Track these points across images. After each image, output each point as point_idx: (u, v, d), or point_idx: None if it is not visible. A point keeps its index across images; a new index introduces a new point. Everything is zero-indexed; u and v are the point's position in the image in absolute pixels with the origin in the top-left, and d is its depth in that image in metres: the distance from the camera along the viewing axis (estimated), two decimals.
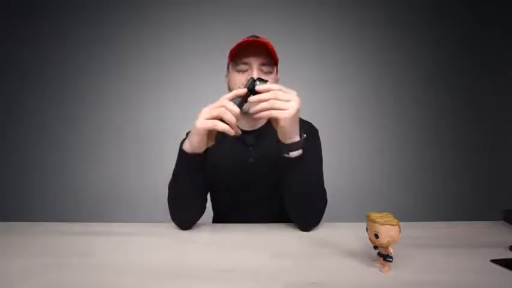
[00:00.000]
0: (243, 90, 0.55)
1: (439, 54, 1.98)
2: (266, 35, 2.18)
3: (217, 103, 0.54)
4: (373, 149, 1.99)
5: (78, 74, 1.98)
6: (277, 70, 0.77)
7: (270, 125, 0.77)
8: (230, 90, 0.74)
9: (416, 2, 1.96)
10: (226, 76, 0.80)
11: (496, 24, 1.94)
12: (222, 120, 0.54)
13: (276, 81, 0.76)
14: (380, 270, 0.43)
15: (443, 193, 1.98)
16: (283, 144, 0.59)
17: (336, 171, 1.90)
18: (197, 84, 1.94)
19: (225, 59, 0.78)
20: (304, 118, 0.87)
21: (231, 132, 0.54)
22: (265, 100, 0.53)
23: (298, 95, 0.55)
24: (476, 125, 1.99)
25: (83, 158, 1.98)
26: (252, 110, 0.55)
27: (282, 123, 0.54)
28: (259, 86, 0.55)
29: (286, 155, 0.59)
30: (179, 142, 0.84)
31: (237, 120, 0.54)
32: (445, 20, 1.96)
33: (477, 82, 1.98)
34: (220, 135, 0.75)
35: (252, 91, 0.55)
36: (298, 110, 0.54)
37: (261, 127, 0.79)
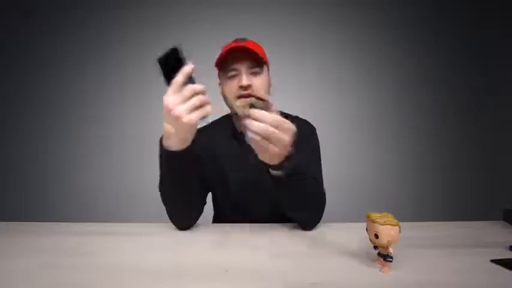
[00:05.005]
0: (190, 67, 0.50)
1: (439, 54, 1.98)
2: (266, 35, 2.20)
3: (184, 93, 0.50)
4: (373, 149, 1.99)
5: (78, 74, 1.98)
6: (268, 69, 0.76)
7: None
8: (225, 98, 0.73)
9: (416, 2, 1.96)
10: (219, 84, 0.78)
11: (496, 24, 1.94)
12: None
13: (268, 81, 0.74)
14: (380, 270, 0.43)
15: (443, 193, 1.98)
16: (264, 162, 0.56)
17: (336, 171, 1.90)
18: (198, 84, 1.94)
19: None
20: (303, 118, 0.87)
21: (219, 110, 0.53)
22: (257, 133, 0.49)
23: (293, 131, 0.51)
24: (476, 125, 1.99)
25: (83, 158, 1.98)
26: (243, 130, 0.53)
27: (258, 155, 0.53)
28: (255, 114, 0.50)
29: (269, 171, 0.57)
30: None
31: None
32: (445, 20, 1.96)
33: (477, 82, 1.98)
34: (219, 138, 0.75)
35: (165, 76, 0.51)
36: (284, 151, 0.51)
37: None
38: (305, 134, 0.77)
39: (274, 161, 0.54)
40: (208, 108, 0.52)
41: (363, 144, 1.98)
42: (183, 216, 0.67)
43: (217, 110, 0.53)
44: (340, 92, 1.99)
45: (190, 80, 0.51)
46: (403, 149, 1.99)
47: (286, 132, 0.50)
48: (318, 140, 0.81)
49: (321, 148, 0.80)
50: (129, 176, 1.96)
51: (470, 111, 1.99)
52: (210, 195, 0.87)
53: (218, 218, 0.90)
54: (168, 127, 0.53)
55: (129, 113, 1.97)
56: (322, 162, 0.79)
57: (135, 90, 1.97)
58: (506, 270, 0.43)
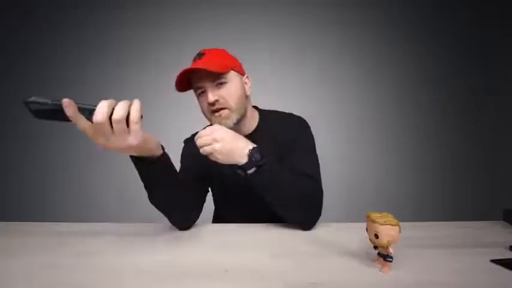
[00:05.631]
0: (72, 107, 0.40)
1: (439, 54, 1.98)
2: (266, 35, 2.18)
3: (100, 130, 0.42)
4: (373, 149, 1.99)
5: (78, 74, 1.98)
6: (240, 72, 0.73)
7: (261, 129, 0.77)
8: (204, 112, 0.73)
9: (416, 2, 1.96)
10: None
11: (496, 24, 1.94)
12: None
13: (240, 85, 0.72)
14: (380, 270, 0.43)
15: (443, 193, 1.98)
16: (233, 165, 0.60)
17: (336, 171, 1.90)
18: None
19: None
20: (303, 118, 0.87)
21: (137, 104, 0.45)
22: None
23: (219, 131, 0.59)
24: (476, 125, 1.99)
25: (83, 158, 1.98)
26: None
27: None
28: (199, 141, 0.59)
29: (243, 174, 0.60)
30: (181, 142, 0.85)
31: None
32: (445, 20, 1.96)
33: (477, 82, 1.98)
34: None
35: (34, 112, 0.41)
36: (222, 148, 0.57)
37: (252, 132, 0.78)
38: (297, 132, 0.77)
39: (237, 158, 0.58)
40: (134, 114, 0.43)
41: (363, 144, 1.98)
42: (181, 218, 0.67)
43: (138, 105, 0.45)
44: (340, 92, 1.99)
45: (85, 109, 0.41)
46: (403, 149, 1.99)
47: (213, 140, 0.58)
48: (312, 137, 0.79)
49: (321, 148, 0.80)
50: (129, 176, 1.96)
51: (470, 111, 1.99)
52: (209, 194, 0.87)
53: (218, 218, 0.91)
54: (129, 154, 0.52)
55: None
56: (322, 162, 0.78)
57: (135, 90, 1.97)
58: (506, 270, 0.43)
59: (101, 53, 1.97)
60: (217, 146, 0.57)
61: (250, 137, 0.78)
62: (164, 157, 0.58)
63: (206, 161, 0.76)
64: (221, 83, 0.69)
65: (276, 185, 0.61)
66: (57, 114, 0.40)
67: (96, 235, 0.63)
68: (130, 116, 0.43)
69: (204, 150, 0.58)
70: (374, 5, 1.95)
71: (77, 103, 0.41)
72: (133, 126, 0.44)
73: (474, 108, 1.98)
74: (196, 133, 0.86)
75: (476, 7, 1.95)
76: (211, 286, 0.40)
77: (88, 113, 0.41)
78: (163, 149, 0.58)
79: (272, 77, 1.91)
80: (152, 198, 0.62)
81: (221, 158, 0.58)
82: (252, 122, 0.78)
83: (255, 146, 0.60)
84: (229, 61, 0.71)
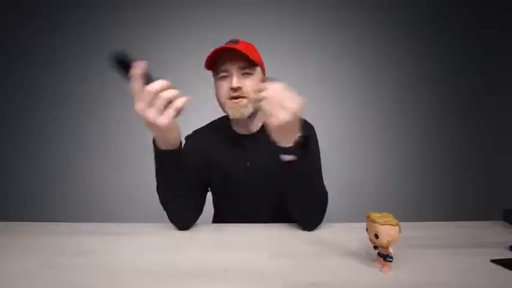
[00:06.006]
0: (139, 68, 0.49)
1: (439, 54, 1.98)
2: (266, 35, 2.19)
3: (146, 96, 0.48)
4: (373, 149, 1.99)
5: (78, 74, 1.98)
6: (263, 70, 0.75)
7: (266, 129, 0.77)
8: (218, 99, 0.73)
9: (416, 2, 1.96)
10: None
11: (496, 24, 1.94)
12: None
13: (262, 81, 0.73)
14: (380, 270, 0.43)
15: (443, 193, 1.98)
16: (277, 146, 0.58)
17: (336, 171, 1.90)
18: (198, 85, 1.94)
19: None
20: (304, 117, 0.87)
21: (189, 100, 0.51)
22: (261, 99, 0.53)
23: (301, 101, 0.52)
24: (476, 125, 1.99)
25: (83, 158, 1.98)
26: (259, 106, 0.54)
27: (270, 130, 0.54)
28: (262, 85, 0.54)
29: (280, 157, 0.59)
30: (182, 140, 0.84)
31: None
32: (445, 20, 1.96)
33: (477, 82, 1.98)
34: (215, 139, 0.73)
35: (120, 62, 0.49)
36: (291, 120, 0.51)
37: (257, 131, 0.79)
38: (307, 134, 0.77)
39: (287, 140, 0.55)
40: (178, 102, 0.50)
41: (363, 144, 1.98)
42: (181, 217, 0.67)
43: (189, 101, 0.51)
44: (340, 92, 1.99)
45: (148, 78, 0.49)
46: (403, 149, 1.99)
47: (290, 100, 0.51)
48: (317, 141, 0.80)
49: (320, 148, 0.80)
50: (129, 175, 1.96)
51: (470, 111, 1.99)
52: (209, 194, 0.87)
53: (218, 218, 0.90)
54: (151, 131, 0.54)
55: (130, 112, 1.96)
56: (322, 162, 0.79)
57: None
58: (506, 270, 0.43)
59: (101, 53, 1.97)
60: (289, 113, 0.51)
61: (254, 136, 0.78)
62: (177, 152, 0.59)
63: (207, 158, 0.76)
64: (247, 73, 0.70)
65: (303, 181, 0.61)
66: (128, 69, 0.48)
67: (96, 235, 0.63)
68: (174, 102, 0.49)
69: (274, 107, 0.52)
70: (374, 5, 1.95)
71: (146, 72, 0.49)
72: (170, 109, 0.49)
73: (474, 108, 1.98)
74: (197, 130, 0.87)
75: (476, 7, 1.95)
76: (211, 286, 0.40)
77: (146, 81, 0.49)
78: (180, 145, 0.60)
79: (267, 77, 1.91)
80: (158, 189, 0.64)
81: (281, 121, 0.51)
82: (260, 120, 0.78)
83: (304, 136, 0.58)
84: (258, 56, 0.73)
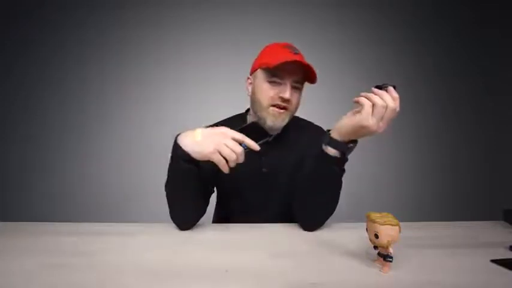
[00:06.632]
0: (256, 147, 0.58)
1: (439, 54, 1.98)
2: (266, 35, 2.18)
3: (235, 145, 0.56)
4: (373, 149, 1.99)
5: (78, 74, 1.98)
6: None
7: (282, 134, 0.75)
8: (255, 98, 0.73)
9: (416, 2, 1.96)
10: (249, 80, 0.77)
11: (496, 24, 1.94)
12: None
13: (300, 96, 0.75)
14: (380, 270, 0.43)
15: (443, 193, 1.98)
16: (330, 137, 0.59)
17: None
18: (198, 84, 1.94)
19: (225, 59, 0.77)
20: (304, 118, 0.87)
21: (225, 170, 0.57)
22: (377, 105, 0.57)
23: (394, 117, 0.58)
24: (476, 125, 1.99)
25: (83, 158, 1.98)
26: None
27: (365, 131, 0.57)
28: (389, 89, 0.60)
29: (324, 147, 0.60)
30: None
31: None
32: (445, 20, 1.96)
33: (477, 82, 1.98)
34: None
35: (243, 131, 0.59)
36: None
37: (273, 136, 0.78)
38: (317, 141, 0.77)
39: (349, 137, 0.59)
40: (226, 168, 0.57)
41: (363, 144, 1.97)
42: (185, 217, 0.67)
43: (227, 169, 0.58)
44: (340, 92, 1.99)
45: (246, 147, 0.58)
46: (403, 149, 1.99)
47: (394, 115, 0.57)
48: None
49: None
50: (129, 176, 1.96)
51: (470, 111, 1.99)
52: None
53: (219, 215, 0.89)
54: (198, 136, 0.57)
55: (130, 113, 1.97)
56: None
57: (135, 90, 1.97)
58: (506, 270, 0.43)
59: (101, 53, 1.97)
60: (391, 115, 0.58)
61: (270, 140, 0.77)
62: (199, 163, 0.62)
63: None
64: (297, 88, 0.71)
65: (331, 180, 0.63)
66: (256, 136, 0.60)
67: (96, 235, 0.62)
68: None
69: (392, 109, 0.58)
70: (374, 5, 1.95)
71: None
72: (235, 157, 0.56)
73: (474, 108, 1.98)
74: (212, 126, 0.86)
75: (476, 7, 1.95)
76: (212, 286, 0.40)
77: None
78: None
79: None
80: (168, 185, 0.65)
81: (381, 132, 0.58)
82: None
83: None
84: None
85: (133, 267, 0.46)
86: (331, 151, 0.60)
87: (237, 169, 0.76)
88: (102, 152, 1.97)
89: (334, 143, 0.59)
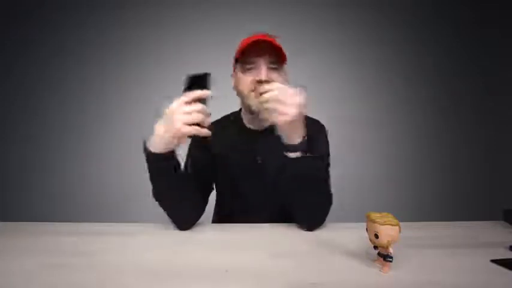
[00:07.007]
0: (207, 94, 0.55)
1: (439, 54, 1.98)
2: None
3: (192, 107, 0.53)
4: (373, 149, 1.99)
5: (78, 74, 1.98)
6: (285, 69, 0.75)
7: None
8: (238, 90, 0.73)
9: (416, 2, 1.96)
10: (232, 75, 0.78)
11: (496, 24, 1.94)
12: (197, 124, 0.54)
13: (286, 80, 0.73)
14: (380, 270, 0.43)
15: (443, 193, 1.98)
16: (284, 143, 0.59)
17: (336, 171, 1.89)
18: None
19: (225, 59, 0.77)
20: (314, 118, 0.86)
21: (206, 133, 0.54)
22: (266, 101, 0.55)
23: (303, 95, 0.55)
24: (476, 125, 1.99)
25: (83, 158, 1.98)
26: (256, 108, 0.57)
27: (279, 127, 0.55)
28: (262, 87, 0.56)
29: (286, 154, 0.60)
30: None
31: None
32: (445, 20, 1.96)
33: (477, 82, 1.98)
34: (227, 134, 0.72)
35: (187, 89, 0.56)
36: (298, 114, 0.54)
37: (268, 127, 0.78)
38: (314, 134, 0.77)
39: (295, 136, 0.57)
40: (204, 131, 0.54)
41: (363, 145, 1.98)
42: (182, 217, 0.67)
43: (209, 134, 0.55)
44: (340, 92, 1.99)
45: (205, 101, 0.55)
46: (403, 149, 1.99)
47: (292, 96, 0.54)
48: (327, 142, 0.80)
49: None
50: (129, 176, 1.96)
51: (470, 111, 1.99)
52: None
53: (220, 214, 0.89)
54: (161, 128, 0.56)
55: (130, 113, 1.97)
56: None
57: (135, 90, 1.97)
58: (506, 270, 0.43)
59: (101, 53, 1.97)
60: (295, 109, 0.53)
61: (265, 131, 0.77)
62: (175, 153, 0.61)
63: (217, 153, 0.75)
64: (274, 68, 0.69)
65: (308, 181, 0.61)
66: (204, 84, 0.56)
67: (96, 235, 0.62)
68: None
69: (297, 104, 0.54)
70: (374, 5, 1.95)
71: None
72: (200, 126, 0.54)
73: (474, 108, 1.98)
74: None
75: (476, 7, 1.95)
76: (212, 286, 0.40)
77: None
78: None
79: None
80: (157, 195, 0.64)
81: (291, 117, 0.53)
82: None
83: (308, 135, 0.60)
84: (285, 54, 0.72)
85: (134, 267, 0.46)
86: (292, 155, 0.59)
87: (232, 162, 0.77)
88: (102, 152, 1.97)
89: (291, 147, 0.59)
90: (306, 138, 0.59)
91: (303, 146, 0.58)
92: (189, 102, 0.54)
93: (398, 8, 1.95)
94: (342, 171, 1.95)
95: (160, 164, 0.60)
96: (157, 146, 0.58)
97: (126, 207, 1.93)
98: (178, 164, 0.63)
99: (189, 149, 0.80)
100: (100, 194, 1.96)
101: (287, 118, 0.53)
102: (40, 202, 1.97)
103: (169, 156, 0.59)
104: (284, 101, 0.53)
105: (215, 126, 0.83)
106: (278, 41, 0.71)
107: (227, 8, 1.94)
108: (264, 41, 0.66)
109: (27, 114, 1.98)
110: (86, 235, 0.63)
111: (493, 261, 0.46)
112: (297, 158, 0.59)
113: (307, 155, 0.59)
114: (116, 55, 1.96)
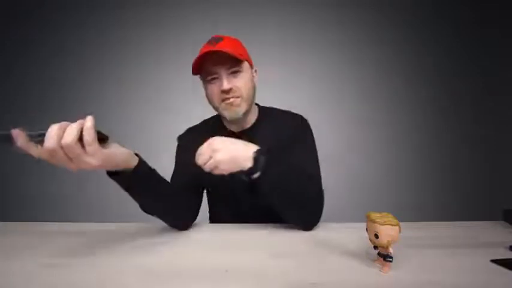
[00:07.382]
0: (22, 137, 0.39)
1: (439, 54, 1.98)
2: (266, 35, 2.17)
3: (51, 155, 0.40)
4: (373, 149, 1.99)
5: (78, 74, 1.98)
6: (250, 64, 0.73)
7: (258, 124, 0.77)
8: (211, 103, 0.72)
9: (416, 2, 1.96)
10: (202, 85, 0.76)
11: (496, 24, 1.94)
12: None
13: (251, 77, 0.71)
14: (380, 270, 0.43)
15: (443, 193, 1.98)
16: (238, 173, 0.57)
17: (336, 171, 1.90)
18: (198, 85, 1.94)
19: None
20: (305, 117, 0.86)
21: (91, 118, 0.43)
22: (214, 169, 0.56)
23: (214, 141, 0.56)
24: (476, 125, 1.99)
25: None
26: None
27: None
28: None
29: (246, 179, 0.58)
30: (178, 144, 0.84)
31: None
32: (445, 20, 1.96)
33: (477, 82, 1.98)
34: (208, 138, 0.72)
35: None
36: (220, 157, 0.54)
37: (249, 127, 0.77)
38: (297, 129, 0.76)
39: (242, 163, 0.56)
40: (87, 133, 0.41)
41: (363, 144, 1.98)
42: (175, 223, 0.67)
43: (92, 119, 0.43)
44: (340, 92, 1.99)
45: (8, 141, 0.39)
46: (403, 149, 1.99)
47: (207, 147, 0.56)
48: (312, 135, 0.78)
49: (320, 148, 0.79)
50: None
51: (470, 111, 1.99)
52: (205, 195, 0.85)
53: (214, 219, 0.88)
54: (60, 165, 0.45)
55: (130, 112, 1.97)
56: (322, 162, 0.78)
57: (135, 90, 1.97)
58: (506, 270, 0.43)
59: (101, 53, 1.97)
60: (218, 155, 0.54)
61: (250, 129, 0.77)
62: (142, 166, 0.55)
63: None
64: (236, 72, 0.68)
65: (281, 187, 0.59)
66: (9, 142, 0.39)
67: (96, 235, 0.62)
68: (84, 137, 0.40)
69: (208, 166, 0.56)
70: (374, 5, 1.95)
71: (26, 132, 0.38)
72: (89, 148, 0.41)
73: (474, 108, 1.98)
74: (190, 129, 0.85)
75: (476, 7, 1.95)
76: (212, 286, 0.40)
77: (40, 139, 0.39)
78: (139, 157, 0.55)
79: (272, 77, 1.91)
80: (144, 207, 0.61)
81: (227, 168, 0.55)
82: (253, 115, 0.78)
83: (258, 148, 0.58)
84: (244, 51, 0.71)
85: (133, 267, 0.46)
86: (254, 176, 0.57)
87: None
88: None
89: (247, 173, 0.57)
90: (259, 153, 0.56)
91: (261, 164, 0.56)
92: (40, 154, 0.40)
93: (398, 8, 1.95)
94: (342, 171, 1.96)
95: (132, 183, 0.56)
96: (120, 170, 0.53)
97: (126, 207, 1.93)
98: (152, 171, 0.58)
99: (176, 159, 0.80)
100: (100, 194, 1.96)
101: (222, 167, 0.55)
102: (40, 202, 1.98)
103: (139, 169, 0.55)
104: (215, 162, 0.55)
105: (196, 130, 0.83)
106: (236, 41, 0.70)
107: (227, 8, 1.94)
108: (216, 52, 0.64)
109: (27, 114, 1.98)
110: (86, 235, 0.63)
111: (493, 261, 0.46)
112: (260, 176, 0.57)
113: (268, 169, 0.56)
114: (116, 55, 1.96)
